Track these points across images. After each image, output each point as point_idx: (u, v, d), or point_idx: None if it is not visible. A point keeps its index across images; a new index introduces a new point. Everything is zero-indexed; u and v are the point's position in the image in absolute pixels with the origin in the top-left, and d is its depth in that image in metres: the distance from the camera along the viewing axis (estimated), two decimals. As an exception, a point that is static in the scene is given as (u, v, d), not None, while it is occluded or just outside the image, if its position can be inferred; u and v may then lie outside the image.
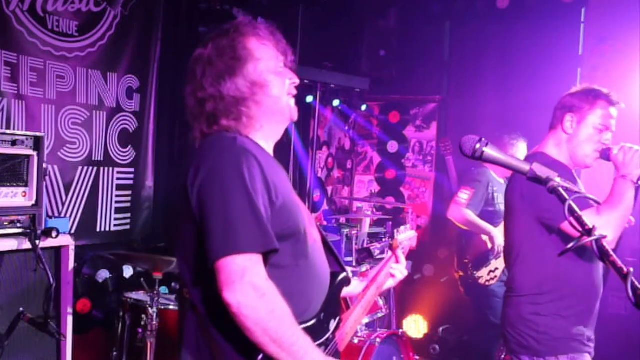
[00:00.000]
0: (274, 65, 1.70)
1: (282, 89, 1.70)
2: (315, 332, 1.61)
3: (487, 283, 4.12)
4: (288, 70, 1.74)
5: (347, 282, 1.84)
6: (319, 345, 1.62)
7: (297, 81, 1.75)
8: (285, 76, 1.72)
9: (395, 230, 2.26)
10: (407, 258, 2.22)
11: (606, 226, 2.16)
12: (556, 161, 2.41)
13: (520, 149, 4.15)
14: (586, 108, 2.40)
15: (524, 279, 2.41)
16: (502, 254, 4.00)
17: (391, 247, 2.19)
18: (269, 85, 1.67)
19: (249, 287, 1.41)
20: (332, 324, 1.71)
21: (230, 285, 1.42)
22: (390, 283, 2.09)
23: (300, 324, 1.53)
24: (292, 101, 1.74)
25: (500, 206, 4.14)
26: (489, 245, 4.09)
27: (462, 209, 4.08)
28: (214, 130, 1.65)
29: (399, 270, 2.08)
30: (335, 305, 1.76)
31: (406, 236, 2.26)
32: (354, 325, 1.88)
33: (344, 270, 1.83)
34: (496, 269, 4.09)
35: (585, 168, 2.53)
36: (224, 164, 1.51)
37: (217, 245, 1.44)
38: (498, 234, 4.00)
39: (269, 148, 1.72)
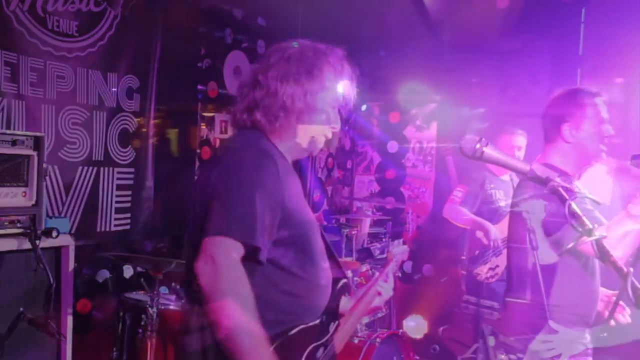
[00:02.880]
0: (328, 101, 1.71)
1: (320, 124, 1.72)
2: (319, 332, 1.74)
3: (487, 280, 4.11)
4: (336, 114, 1.75)
5: (346, 288, 1.95)
6: (320, 345, 1.72)
7: (330, 127, 1.76)
8: (328, 117, 1.73)
9: (390, 244, 2.37)
10: (407, 258, 2.32)
11: None
12: (562, 171, 2.37)
13: (519, 141, 4.14)
14: (577, 113, 2.35)
15: (536, 290, 2.38)
16: (501, 250, 4.01)
17: (386, 259, 2.34)
18: (312, 113, 1.69)
19: (209, 258, 1.50)
20: (332, 327, 1.82)
21: (199, 258, 1.50)
22: (377, 301, 2.16)
23: (309, 322, 1.68)
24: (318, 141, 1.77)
25: (500, 203, 4.14)
26: (485, 242, 4.07)
27: (455, 206, 4.11)
28: (241, 123, 1.72)
29: (386, 289, 2.15)
30: (335, 310, 1.88)
31: (399, 250, 2.39)
32: (344, 336, 1.96)
33: (345, 276, 1.94)
34: (497, 266, 4.07)
35: (599, 161, 2.48)
36: (242, 160, 1.59)
37: (209, 226, 1.51)
38: (493, 228, 3.99)
39: (289, 158, 1.75)
